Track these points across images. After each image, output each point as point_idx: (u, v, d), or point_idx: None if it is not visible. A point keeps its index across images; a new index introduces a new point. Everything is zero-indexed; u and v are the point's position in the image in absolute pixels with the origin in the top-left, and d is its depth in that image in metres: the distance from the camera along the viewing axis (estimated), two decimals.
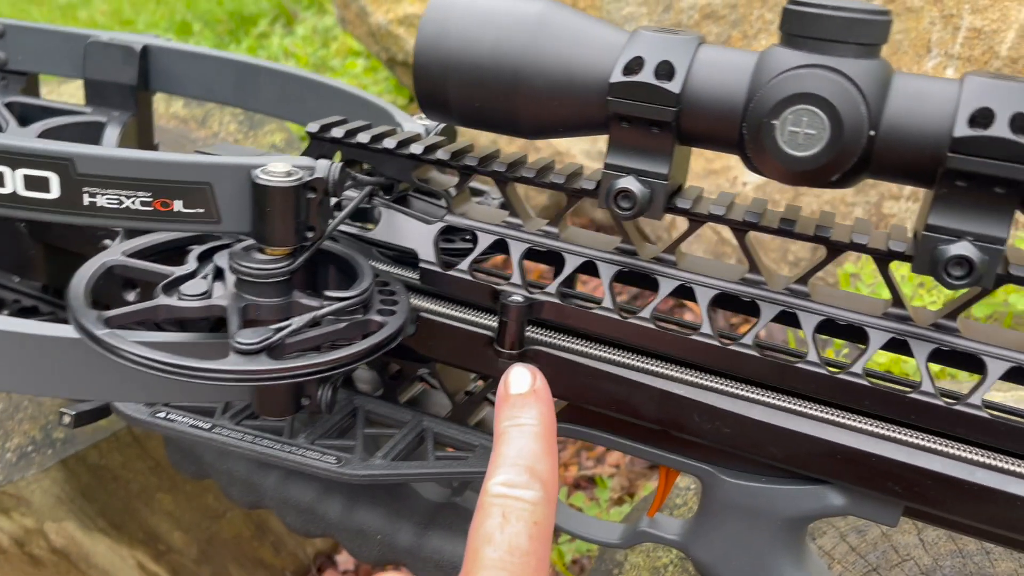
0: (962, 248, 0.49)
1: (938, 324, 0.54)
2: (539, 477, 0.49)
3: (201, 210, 0.58)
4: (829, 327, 0.58)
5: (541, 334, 0.62)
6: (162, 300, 0.58)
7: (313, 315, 0.56)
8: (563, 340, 0.61)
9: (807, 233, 0.55)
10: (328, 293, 0.58)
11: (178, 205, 0.57)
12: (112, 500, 0.96)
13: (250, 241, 0.59)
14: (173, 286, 0.59)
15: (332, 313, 0.57)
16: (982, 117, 0.46)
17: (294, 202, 0.56)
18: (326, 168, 0.57)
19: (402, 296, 0.61)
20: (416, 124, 0.74)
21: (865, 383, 0.54)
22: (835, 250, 0.55)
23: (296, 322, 0.55)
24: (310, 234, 0.58)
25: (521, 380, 0.54)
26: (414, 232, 0.64)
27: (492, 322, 0.62)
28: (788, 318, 0.57)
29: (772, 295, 0.57)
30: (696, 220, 0.58)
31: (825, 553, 0.84)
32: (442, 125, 0.73)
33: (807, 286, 0.57)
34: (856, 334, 0.56)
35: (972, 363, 0.54)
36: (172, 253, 0.66)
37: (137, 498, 0.98)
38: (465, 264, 0.62)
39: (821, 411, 0.56)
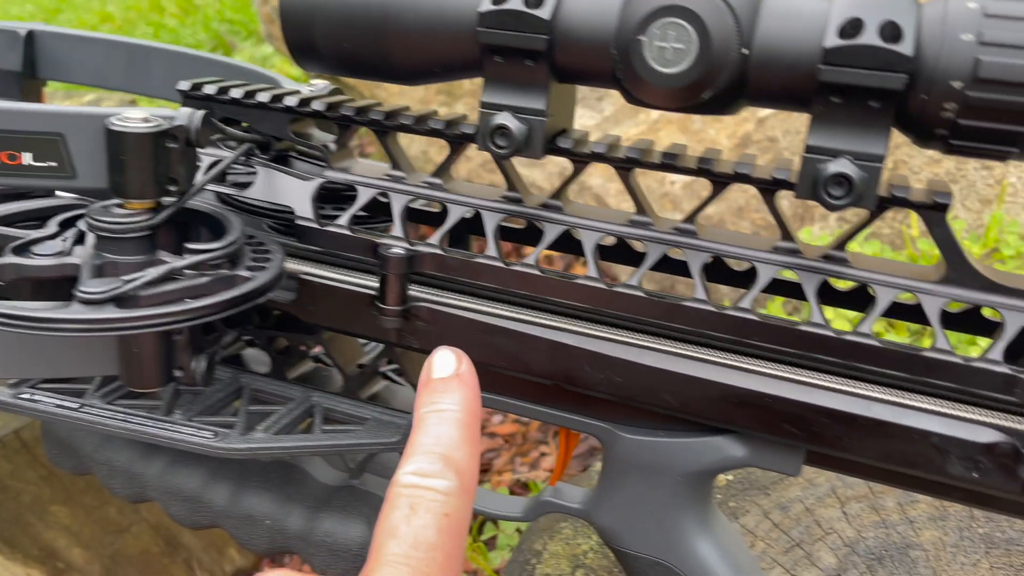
0: (840, 165, 0.47)
1: (828, 256, 0.52)
2: (455, 466, 0.45)
3: (54, 164, 0.54)
4: (719, 268, 0.56)
5: (426, 292, 0.59)
6: (9, 259, 0.53)
7: (170, 267, 0.52)
8: (448, 296, 0.58)
9: (690, 167, 0.53)
10: (189, 246, 0.54)
11: (27, 158, 0.54)
12: (1, 513, 0.90)
13: (114, 200, 0.56)
14: (26, 248, 0.55)
15: (192, 266, 0.53)
16: (851, 27, 0.45)
17: (152, 150, 0.53)
18: (187, 116, 0.54)
19: (276, 254, 0.58)
20: (305, 89, 0.71)
21: (754, 318, 0.52)
22: (719, 183, 0.53)
23: (150, 273, 0.51)
24: (173, 188, 0.54)
25: (444, 364, 0.50)
26: (292, 190, 0.61)
27: (375, 282, 0.59)
28: (677, 264, 0.55)
29: (658, 235, 0.54)
30: (579, 160, 0.56)
31: (748, 531, 0.81)
32: (332, 87, 0.70)
33: (694, 224, 0.54)
34: (746, 276, 0.54)
35: (861, 296, 0.52)
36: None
37: (29, 510, 0.92)
38: (344, 219, 0.59)
39: (713, 354, 0.53)
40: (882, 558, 0.76)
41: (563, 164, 1.42)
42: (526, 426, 1.66)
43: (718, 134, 1.58)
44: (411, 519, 0.43)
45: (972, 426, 0.49)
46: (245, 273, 0.55)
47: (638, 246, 0.58)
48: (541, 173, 1.75)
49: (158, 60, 0.87)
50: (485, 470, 1.58)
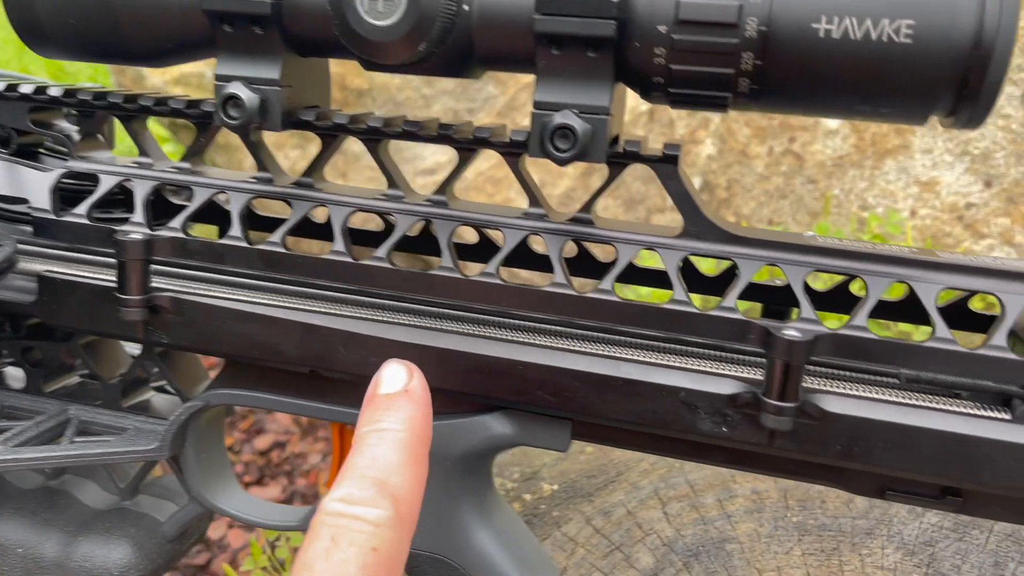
0: (564, 117, 0.46)
1: (574, 218, 0.51)
2: (390, 493, 0.40)
3: None
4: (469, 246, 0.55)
5: (169, 282, 0.55)
6: None
7: None
8: (192, 284, 0.55)
9: (432, 134, 0.52)
10: None
11: None
12: None
13: None
14: None
15: None
16: None
17: None
18: None
19: (6, 244, 0.54)
20: None
21: (498, 282, 0.50)
22: (462, 149, 0.52)
23: None
24: None
25: (393, 378, 0.45)
26: (31, 182, 0.57)
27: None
28: (427, 243, 0.53)
29: (409, 207, 0.53)
30: (325, 134, 0.54)
31: (570, 539, 0.79)
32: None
33: (445, 195, 0.53)
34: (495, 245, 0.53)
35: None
36: None
37: None
38: (82, 208, 0.56)
39: (464, 326, 0.51)
40: (698, 554, 0.75)
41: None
42: None
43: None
44: (331, 552, 0.38)
45: (714, 379, 0.48)
46: None
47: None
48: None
49: None
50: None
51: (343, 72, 1.57)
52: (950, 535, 0.72)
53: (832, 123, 1.20)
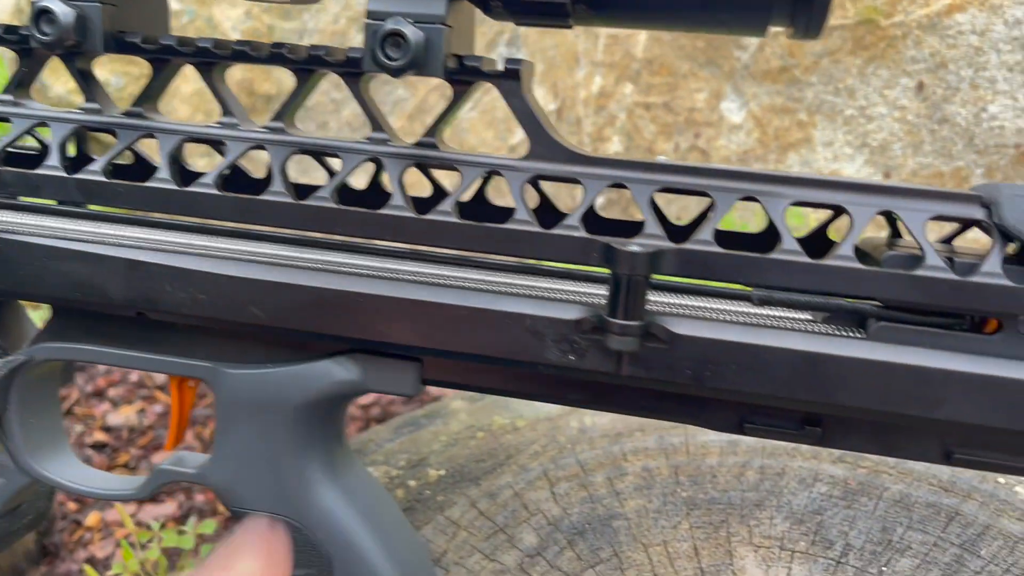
0: (395, 23, 0.44)
1: (418, 143, 0.49)
2: None
3: None
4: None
5: None
6: None
7: None
8: (8, 219, 0.50)
9: (264, 55, 0.49)
10: None
11: None
12: None
13: None
14: None
15: None
16: None
17: None
18: None
19: None
20: None
21: (332, 206, 0.47)
22: (299, 71, 0.49)
23: None
24: None
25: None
26: None
27: None
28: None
29: (242, 134, 0.49)
30: (155, 58, 0.50)
31: (452, 522, 0.75)
32: None
33: (283, 121, 0.50)
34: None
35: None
36: None
37: None
38: None
39: (299, 255, 0.48)
40: (584, 532, 0.71)
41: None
42: None
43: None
44: None
45: (559, 304, 0.45)
46: None
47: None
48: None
49: None
50: None
51: (251, 77, 1.54)
52: (839, 503, 0.70)
53: (736, 118, 1.21)
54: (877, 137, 1.17)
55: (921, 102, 1.14)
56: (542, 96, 1.29)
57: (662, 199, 0.46)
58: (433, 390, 1.53)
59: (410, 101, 1.42)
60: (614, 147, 1.25)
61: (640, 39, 1.22)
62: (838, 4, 1.14)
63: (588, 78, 1.26)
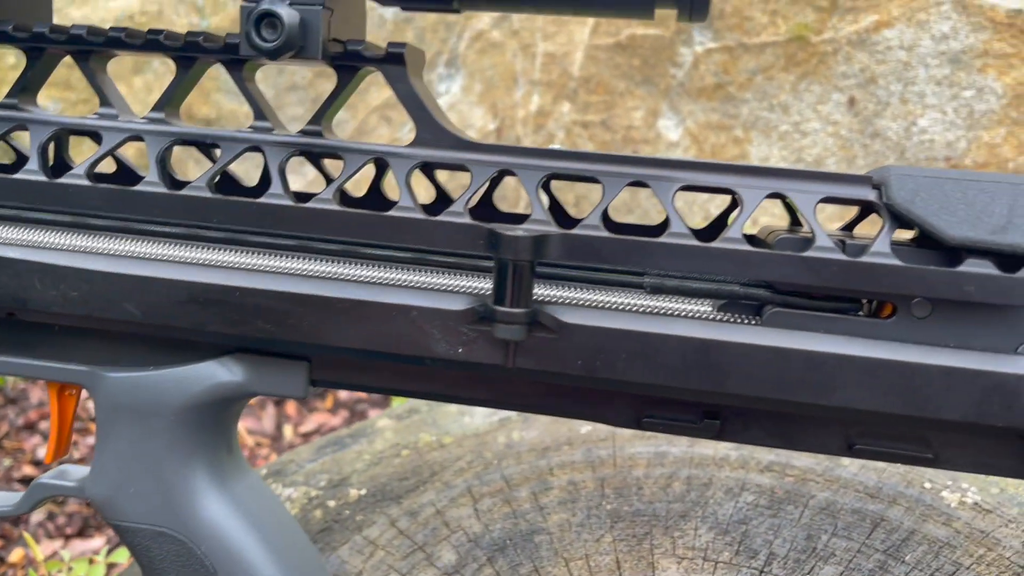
0: (269, 3, 0.42)
1: (302, 131, 0.47)
2: None
3: None
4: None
5: None
6: None
7: None
8: None
9: (139, 43, 0.47)
10: None
11: None
12: None
13: None
14: None
15: None
16: None
17: None
18: None
19: None
20: None
21: (207, 195, 0.45)
22: (178, 59, 0.47)
23: None
24: None
25: None
26: None
27: None
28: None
29: (119, 125, 0.47)
30: (29, 47, 0.48)
31: (370, 542, 0.72)
32: None
33: (163, 112, 0.48)
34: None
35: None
36: None
37: None
38: None
39: (174, 251, 0.46)
40: (504, 548, 0.69)
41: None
42: None
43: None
44: None
45: (445, 294, 0.43)
46: None
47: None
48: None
49: None
50: None
51: (189, 102, 1.52)
52: (764, 512, 0.68)
53: (673, 135, 1.21)
54: (812, 152, 1.17)
55: (853, 117, 1.15)
56: (481, 115, 1.28)
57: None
58: (367, 398, 1.50)
59: (350, 124, 1.40)
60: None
61: (576, 58, 1.22)
62: (769, 22, 1.15)
63: (526, 97, 1.25)
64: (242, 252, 0.45)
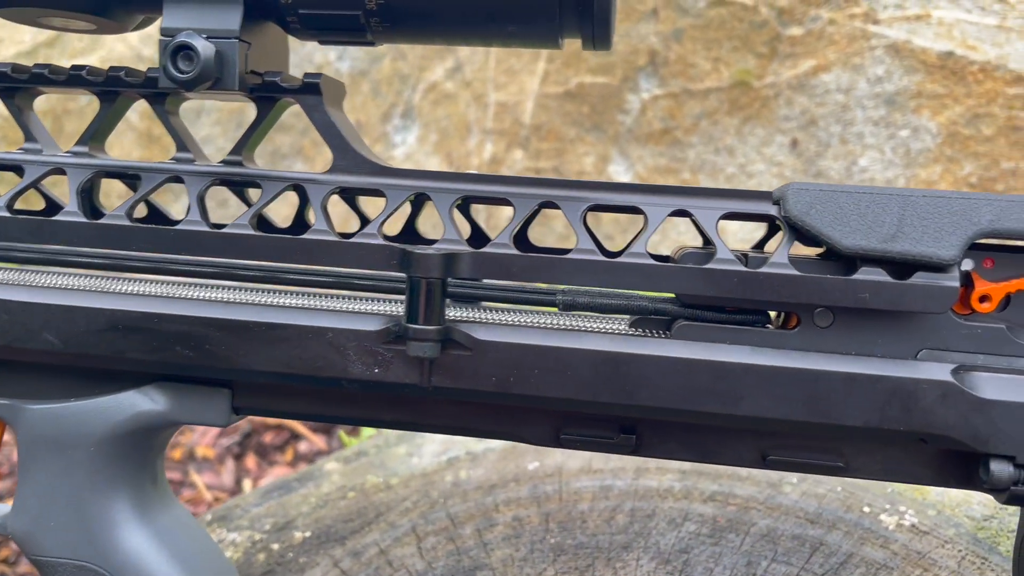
0: (185, 36, 0.43)
1: (223, 161, 0.48)
2: None
3: None
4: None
5: None
6: None
7: None
8: None
9: (62, 79, 0.48)
10: None
11: None
12: None
13: None
14: None
15: None
16: None
17: None
18: None
19: None
20: None
21: (125, 223, 0.45)
22: (100, 94, 0.48)
23: None
24: None
25: None
26: None
27: None
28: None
29: (42, 159, 0.48)
30: None
31: None
32: None
33: (87, 146, 0.49)
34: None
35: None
36: None
37: None
38: None
39: (91, 281, 0.46)
40: None
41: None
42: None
43: None
44: None
45: (360, 316, 0.44)
46: None
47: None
48: None
49: None
50: None
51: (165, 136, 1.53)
52: (706, 541, 0.68)
53: (623, 180, 1.23)
54: None
55: (796, 158, 1.18)
56: (437, 164, 1.30)
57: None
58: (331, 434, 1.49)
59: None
60: (507, 212, 1.27)
61: (527, 107, 1.25)
62: (712, 68, 1.19)
63: (480, 145, 1.28)
64: (163, 279, 0.46)
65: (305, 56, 1.37)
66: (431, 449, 0.89)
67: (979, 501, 0.70)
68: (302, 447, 1.54)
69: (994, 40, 1.09)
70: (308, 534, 0.78)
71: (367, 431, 1.23)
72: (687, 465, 0.78)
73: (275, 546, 0.77)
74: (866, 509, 0.70)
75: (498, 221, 1.27)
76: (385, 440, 0.95)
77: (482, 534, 0.74)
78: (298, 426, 1.55)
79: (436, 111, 1.31)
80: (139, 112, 1.43)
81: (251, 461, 1.53)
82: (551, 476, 0.80)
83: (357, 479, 0.86)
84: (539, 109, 1.25)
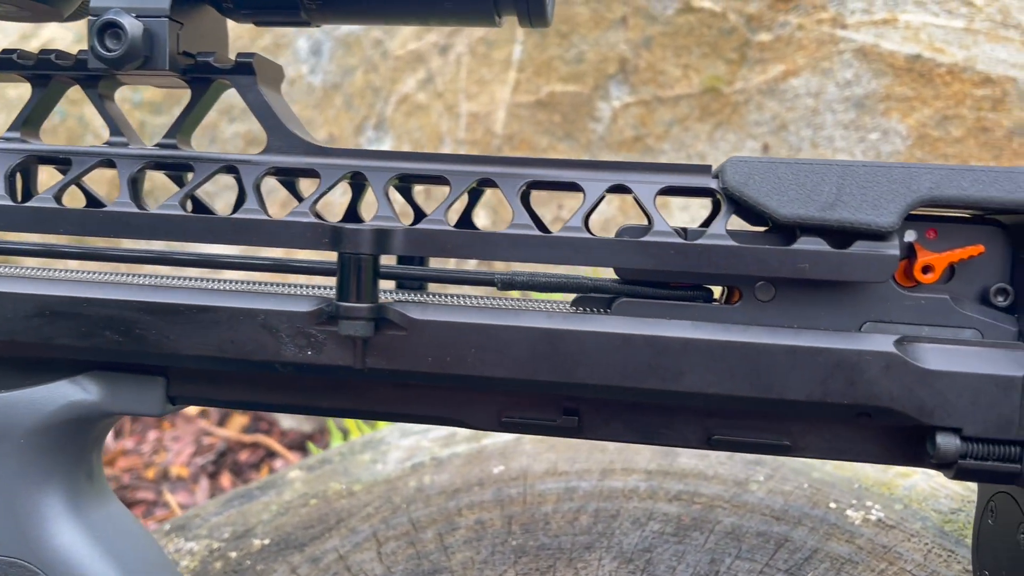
0: (112, 13, 0.43)
1: (158, 144, 0.47)
2: None
3: None
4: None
5: None
6: None
7: None
8: None
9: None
10: None
11: None
12: None
13: None
14: None
15: None
16: None
17: None
18: None
19: None
20: None
21: (52, 206, 0.44)
22: (33, 78, 0.47)
23: None
24: None
25: None
26: None
27: None
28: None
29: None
30: None
31: None
32: None
33: (19, 131, 0.48)
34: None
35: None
36: None
37: None
38: None
39: (22, 268, 0.45)
40: None
41: None
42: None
43: None
44: None
45: (292, 297, 0.43)
46: None
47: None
48: None
49: None
50: None
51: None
52: (670, 539, 0.67)
53: None
54: None
55: None
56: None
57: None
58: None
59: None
60: (481, 221, 1.26)
61: (499, 116, 1.25)
62: (683, 75, 1.19)
63: None
64: (94, 264, 0.45)
65: None
66: (396, 456, 0.88)
67: (946, 495, 0.69)
68: (277, 464, 1.52)
69: (961, 42, 1.10)
70: (267, 541, 0.76)
71: (336, 441, 1.21)
72: (653, 465, 0.77)
73: (233, 554, 0.75)
74: (832, 505, 0.69)
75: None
76: (350, 448, 0.93)
77: (443, 538, 0.72)
78: (274, 443, 1.53)
79: (408, 122, 1.31)
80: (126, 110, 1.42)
81: (226, 480, 1.51)
82: (516, 479, 0.79)
83: (320, 486, 0.84)
84: (511, 118, 1.25)
